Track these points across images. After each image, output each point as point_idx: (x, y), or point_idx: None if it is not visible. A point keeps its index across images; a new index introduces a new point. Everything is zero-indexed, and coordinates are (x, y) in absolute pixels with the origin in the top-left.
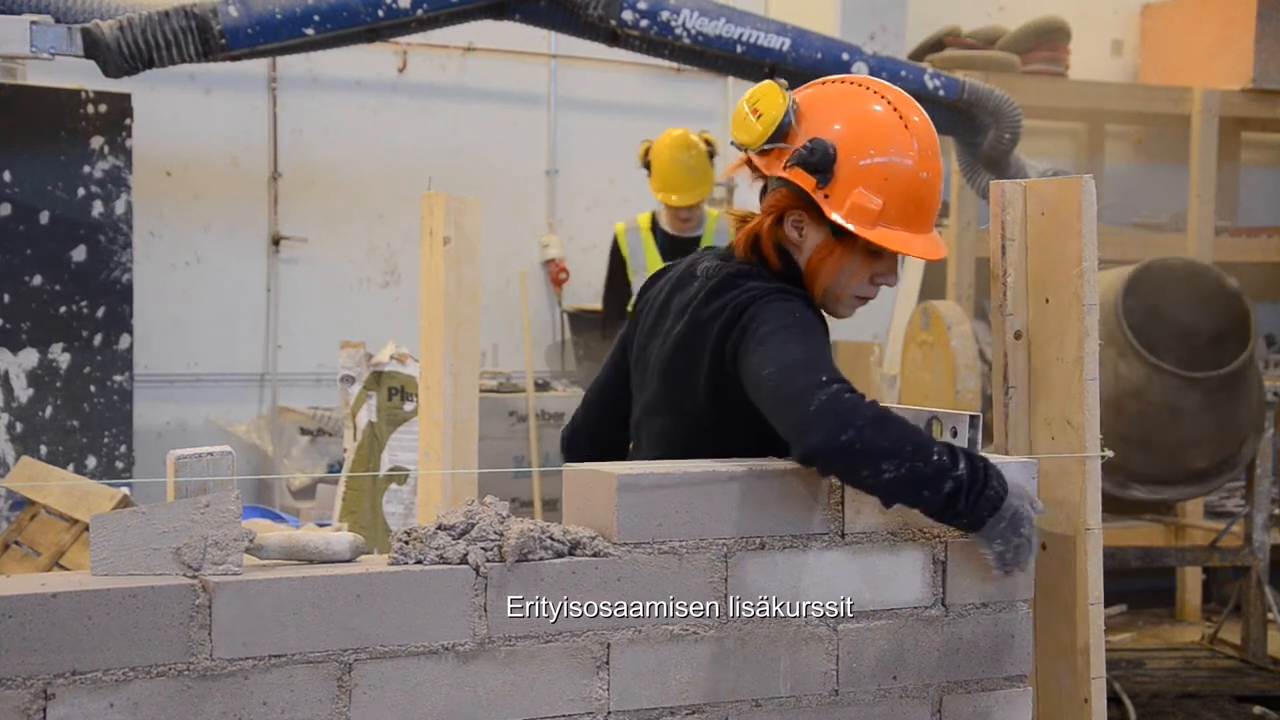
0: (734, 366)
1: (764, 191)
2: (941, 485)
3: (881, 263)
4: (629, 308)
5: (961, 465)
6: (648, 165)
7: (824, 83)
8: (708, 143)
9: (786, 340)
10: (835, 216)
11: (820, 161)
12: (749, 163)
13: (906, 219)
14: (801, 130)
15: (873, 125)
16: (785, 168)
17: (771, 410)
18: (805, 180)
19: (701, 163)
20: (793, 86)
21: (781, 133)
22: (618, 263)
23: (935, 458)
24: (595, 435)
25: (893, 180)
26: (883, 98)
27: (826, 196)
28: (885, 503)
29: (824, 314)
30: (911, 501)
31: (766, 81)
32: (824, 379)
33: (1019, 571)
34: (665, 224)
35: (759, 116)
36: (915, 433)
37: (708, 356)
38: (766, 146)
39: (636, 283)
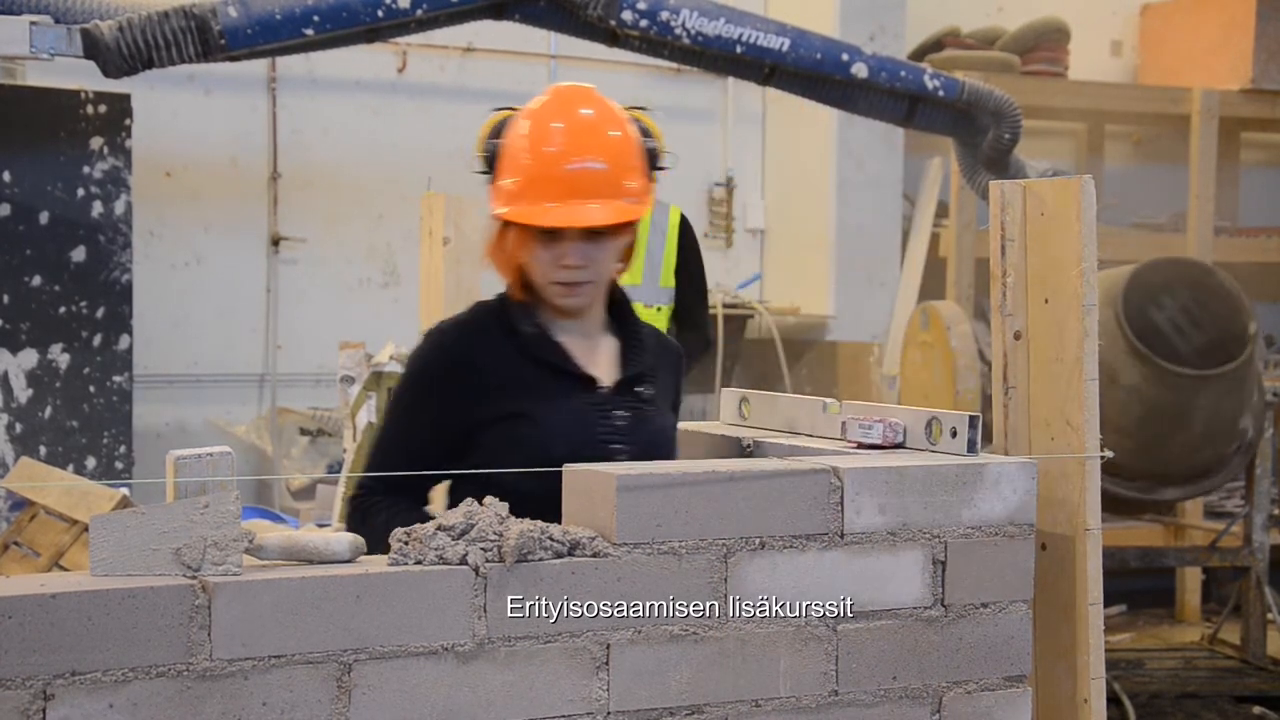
0: None
1: None
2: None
3: (559, 245)
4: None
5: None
6: None
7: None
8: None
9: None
10: (493, 206)
11: (487, 161)
12: None
13: (542, 193)
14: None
15: (520, 120)
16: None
17: None
18: (490, 180)
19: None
20: (793, 87)
21: (492, 151)
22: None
23: None
24: None
25: (519, 158)
26: (547, 96)
27: (492, 193)
28: None
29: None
30: None
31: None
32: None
33: None
34: None
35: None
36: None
37: None
38: (485, 170)
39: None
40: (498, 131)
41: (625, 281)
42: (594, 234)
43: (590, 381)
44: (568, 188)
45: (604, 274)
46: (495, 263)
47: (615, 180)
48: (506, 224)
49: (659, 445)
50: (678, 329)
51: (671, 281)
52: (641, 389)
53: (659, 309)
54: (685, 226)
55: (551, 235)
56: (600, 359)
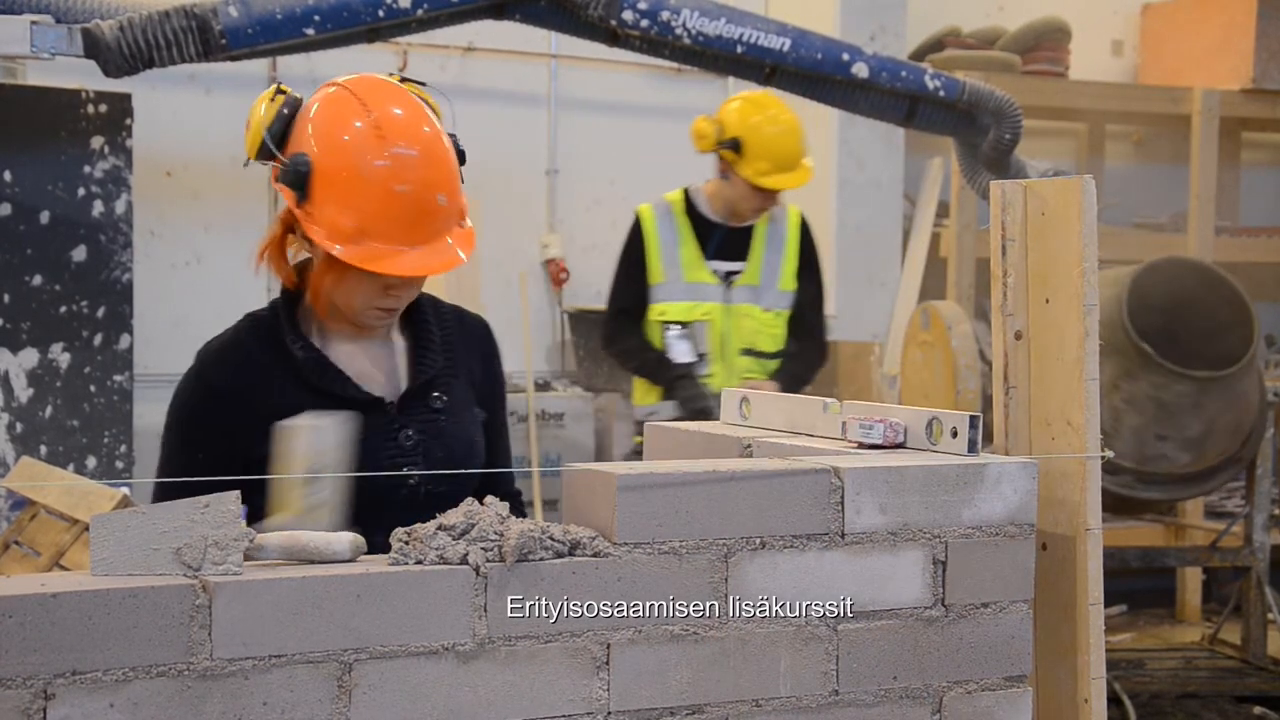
0: None
1: None
2: None
3: (380, 283)
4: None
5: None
6: (732, 144)
7: (324, 90)
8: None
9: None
10: (315, 234)
11: (295, 178)
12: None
13: (394, 234)
14: (295, 141)
15: (346, 138)
16: (276, 181)
17: None
18: (289, 196)
19: (802, 132)
20: (794, 87)
21: (275, 144)
22: (636, 250)
23: None
24: None
25: (357, 190)
26: (364, 106)
27: (309, 215)
28: None
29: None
30: None
31: (268, 90)
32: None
33: None
34: (714, 209)
35: (248, 125)
36: None
37: None
38: (261, 160)
39: (669, 274)
40: (281, 133)
41: (742, 283)
42: None
43: (375, 403)
44: (418, 229)
45: (419, 290)
46: (323, 284)
47: (458, 207)
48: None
49: (457, 456)
50: (792, 337)
51: (792, 285)
52: (435, 395)
53: (776, 314)
54: (805, 229)
55: (375, 273)
56: (386, 366)
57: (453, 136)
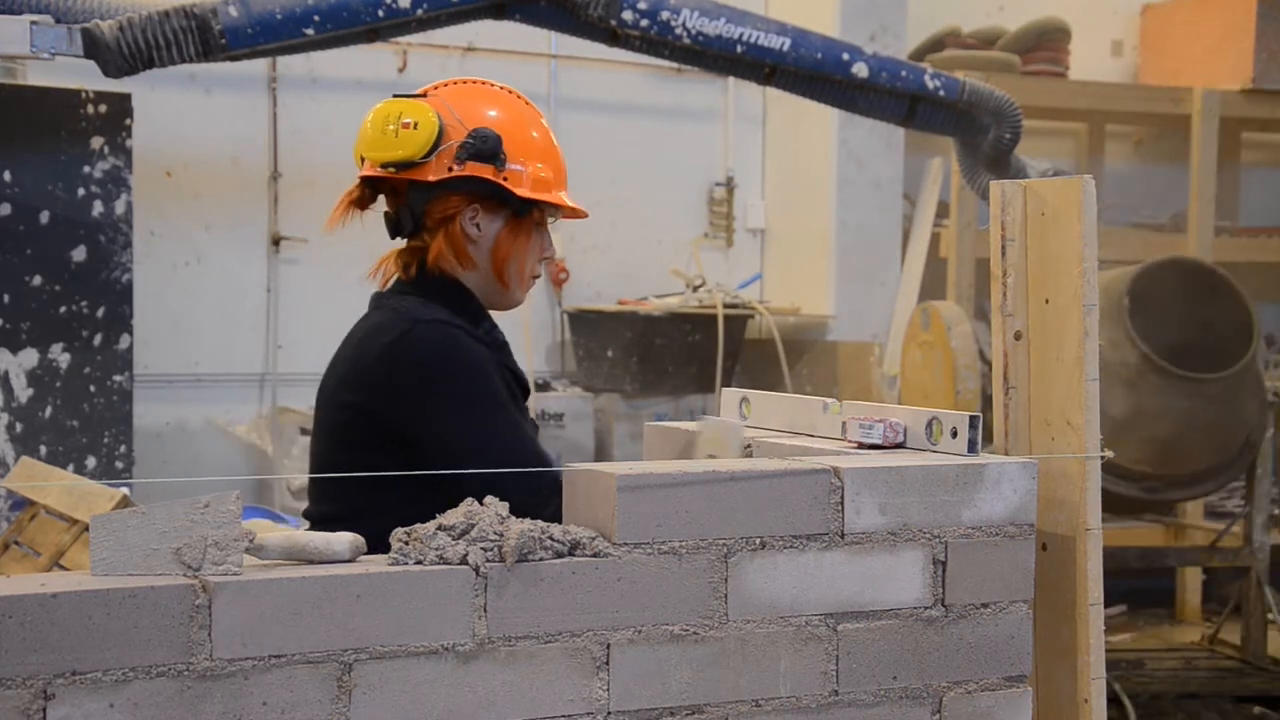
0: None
1: (400, 212)
2: None
3: (545, 236)
4: None
5: None
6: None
7: (438, 86)
8: None
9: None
10: (523, 193)
11: (494, 147)
12: (380, 182)
13: (562, 182)
14: (451, 129)
15: (511, 108)
16: (457, 164)
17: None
18: (484, 169)
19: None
20: (794, 87)
21: (442, 137)
22: None
23: None
24: None
25: (546, 149)
26: (492, 85)
27: (506, 179)
28: None
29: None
30: None
31: (398, 98)
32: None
33: None
34: None
35: (415, 127)
36: None
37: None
38: (429, 156)
39: None
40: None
41: None
42: None
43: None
44: (566, 178)
45: None
46: (509, 254)
47: None
48: (523, 214)
49: None
50: None
51: None
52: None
53: None
54: None
55: (540, 228)
56: None
57: None
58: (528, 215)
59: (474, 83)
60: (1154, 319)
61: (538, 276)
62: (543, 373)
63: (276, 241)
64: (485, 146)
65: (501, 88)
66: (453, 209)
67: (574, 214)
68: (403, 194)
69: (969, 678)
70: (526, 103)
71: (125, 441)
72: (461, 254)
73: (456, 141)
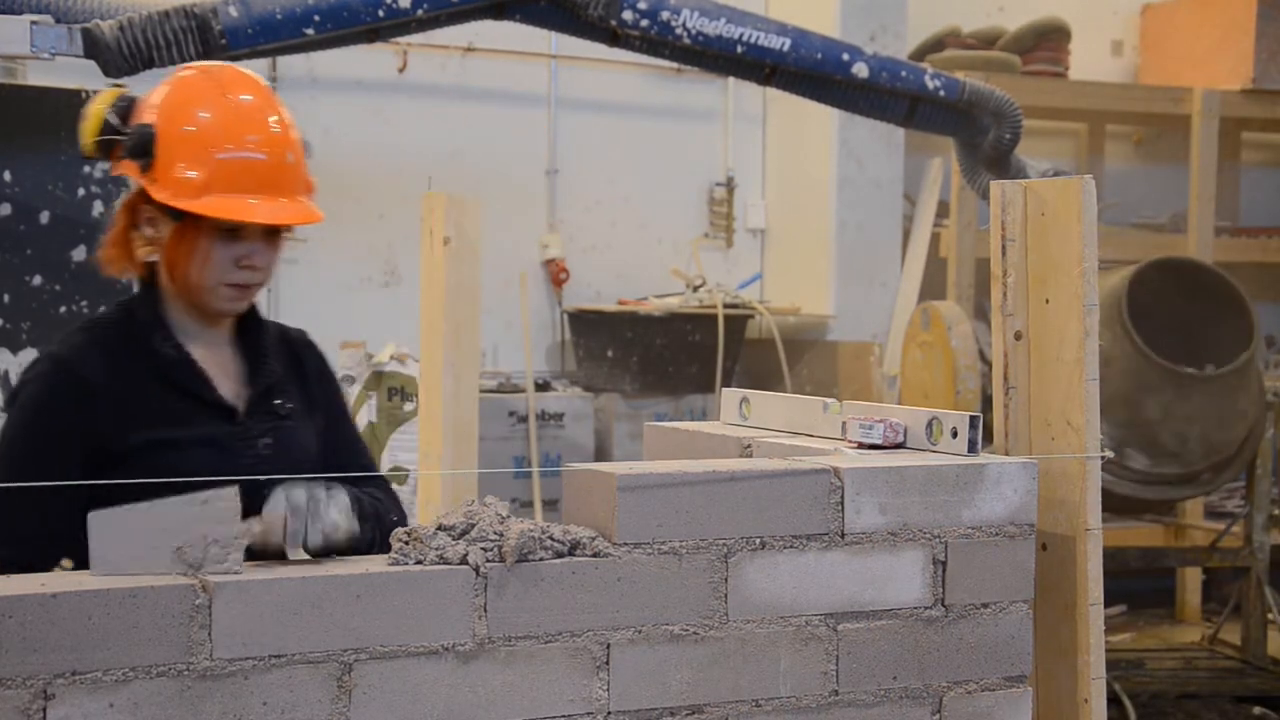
0: None
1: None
2: None
3: (240, 244)
4: None
5: None
6: None
7: (170, 78)
8: None
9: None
10: (161, 197)
11: (139, 145)
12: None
13: (242, 185)
14: (135, 119)
15: (184, 99)
16: (119, 161)
17: None
18: (133, 169)
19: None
20: (794, 87)
21: (111, 128)
22: None
23: None
24: None
25: (210, 148)
26: (205, 73)
27: (154, 181)
28: None
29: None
30: None
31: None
32: None
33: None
34: None
35: (85, 118)
36: None
37: None
38: (100, 139)
39: None
40: (123, 114)
41: None
42: (272, 234)
43: (231, 412)
44: (267, 182)
45: (271, 277)
46: (177, 259)
47: (306, 178)
48: (183, 215)
49: (303, 462)
50: None
51: None
52: (278, 402)
53: None
54: None
55: (232, 233)
56: (232, 371)
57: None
58: (193, 220)
59: (204, 71)
60: (1153, 318)
61: (238, 285)
62: (543, 373)
63: None
64: (135, 144)
65: (238, 73)
66: (131, 203)
67: (246, 219)
68: None
69: (969, 678)
70: (227, 94)
71: None
72: (131, 254)
73: (125, 132)
